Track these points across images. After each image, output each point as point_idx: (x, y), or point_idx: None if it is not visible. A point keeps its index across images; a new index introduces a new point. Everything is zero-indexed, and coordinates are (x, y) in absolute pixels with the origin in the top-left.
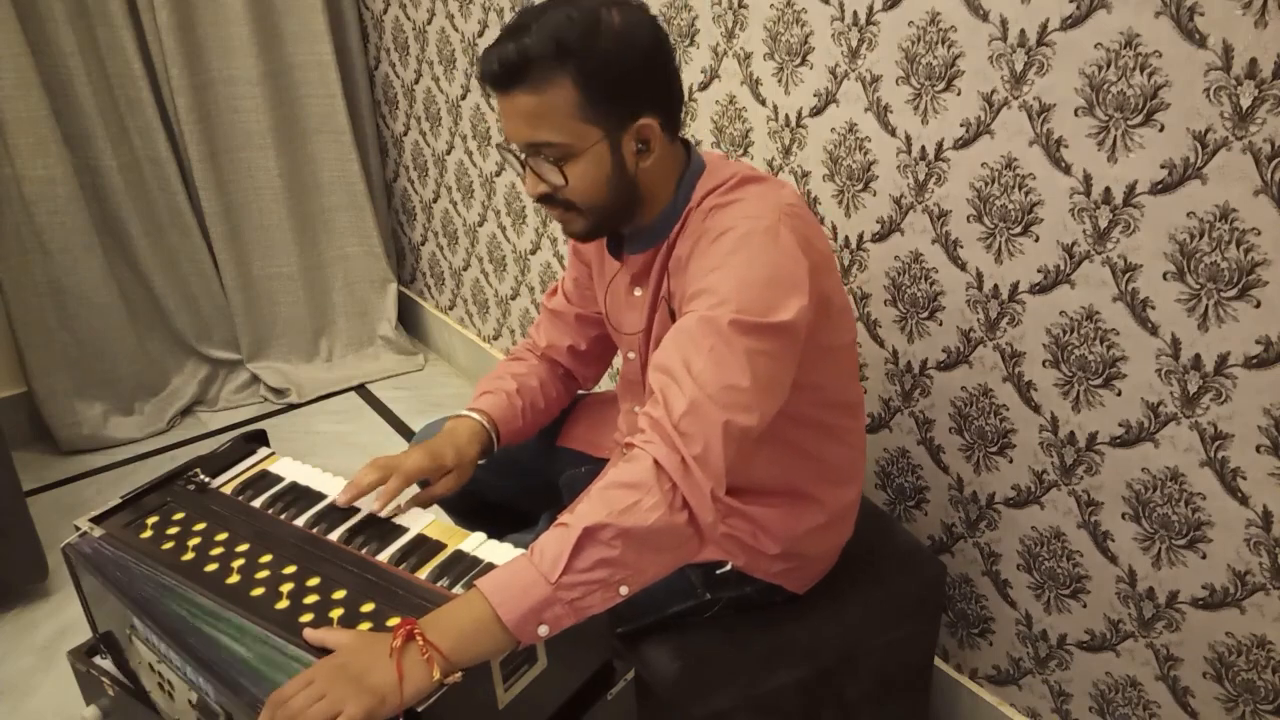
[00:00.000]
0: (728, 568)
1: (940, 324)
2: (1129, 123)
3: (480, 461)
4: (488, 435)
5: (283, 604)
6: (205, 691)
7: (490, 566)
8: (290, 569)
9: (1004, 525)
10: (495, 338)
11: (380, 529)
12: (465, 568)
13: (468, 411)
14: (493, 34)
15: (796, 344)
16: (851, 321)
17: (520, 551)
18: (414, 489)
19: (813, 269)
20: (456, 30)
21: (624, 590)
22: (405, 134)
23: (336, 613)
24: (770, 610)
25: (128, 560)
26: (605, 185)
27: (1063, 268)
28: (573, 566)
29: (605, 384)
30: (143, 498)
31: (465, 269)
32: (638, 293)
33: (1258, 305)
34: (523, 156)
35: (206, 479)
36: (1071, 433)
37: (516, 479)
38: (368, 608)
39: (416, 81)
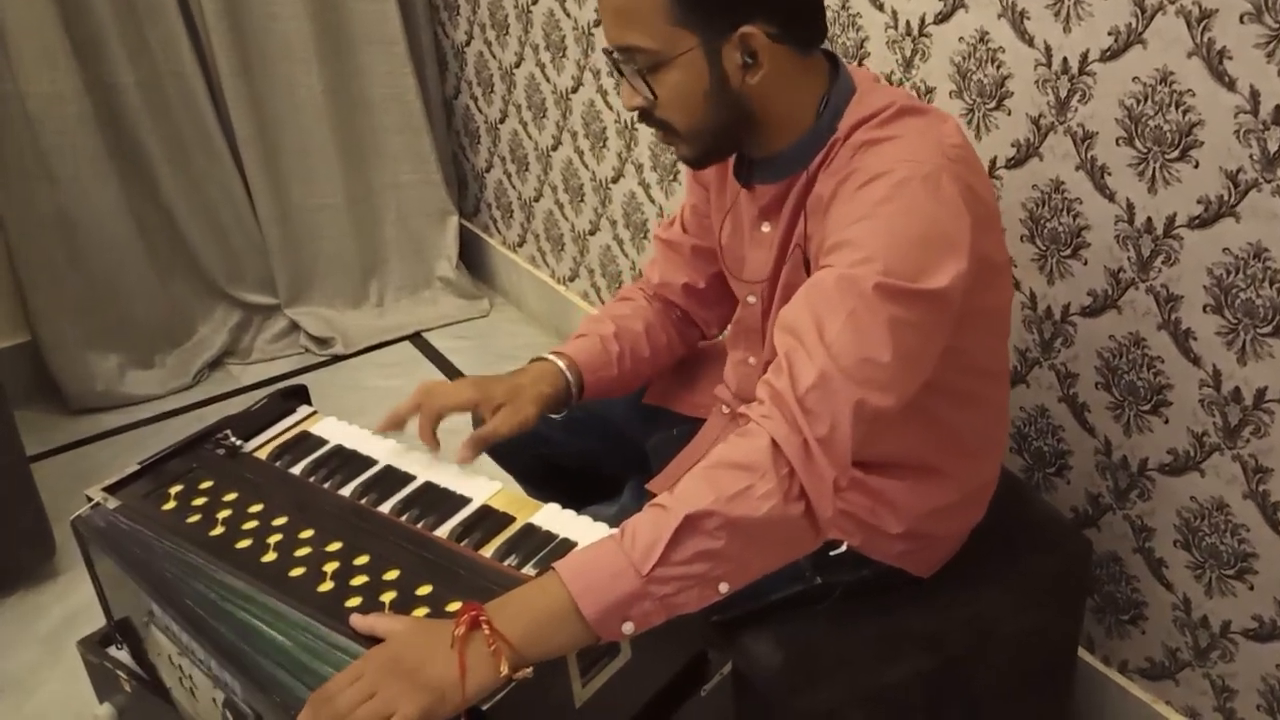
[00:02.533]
0: (842, 549)
1: (1085, 263)
2: None
3: (555, 415)
4: (564, 382)
5: (326, 586)
6: (232, 689)
7: (565, 543)
8: (335, 545)
9: (1158, 495)
10: (571, 279)
11: (439, 499)
12: (537, 544)
13: (553, 351)
14: None
15: (949, 314)
16: (1009, 281)
17: (603, 528)
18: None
19: (976, 224)
20: None
21: (724, 588)
22: (468, 44)
23: (388, 596)
24: (889, 595)
25: (147, 536)
26: (702, 102)
27: (1226, 198)
28: (669, 558)
29: None
30: (165, 463)
31: (537, 200)
32: (765, 229)
33: None
34: (617, 59)
35: (238, 442)
36: (1237, 389)
37: (597, 440)
38: (424, 590)
39: None
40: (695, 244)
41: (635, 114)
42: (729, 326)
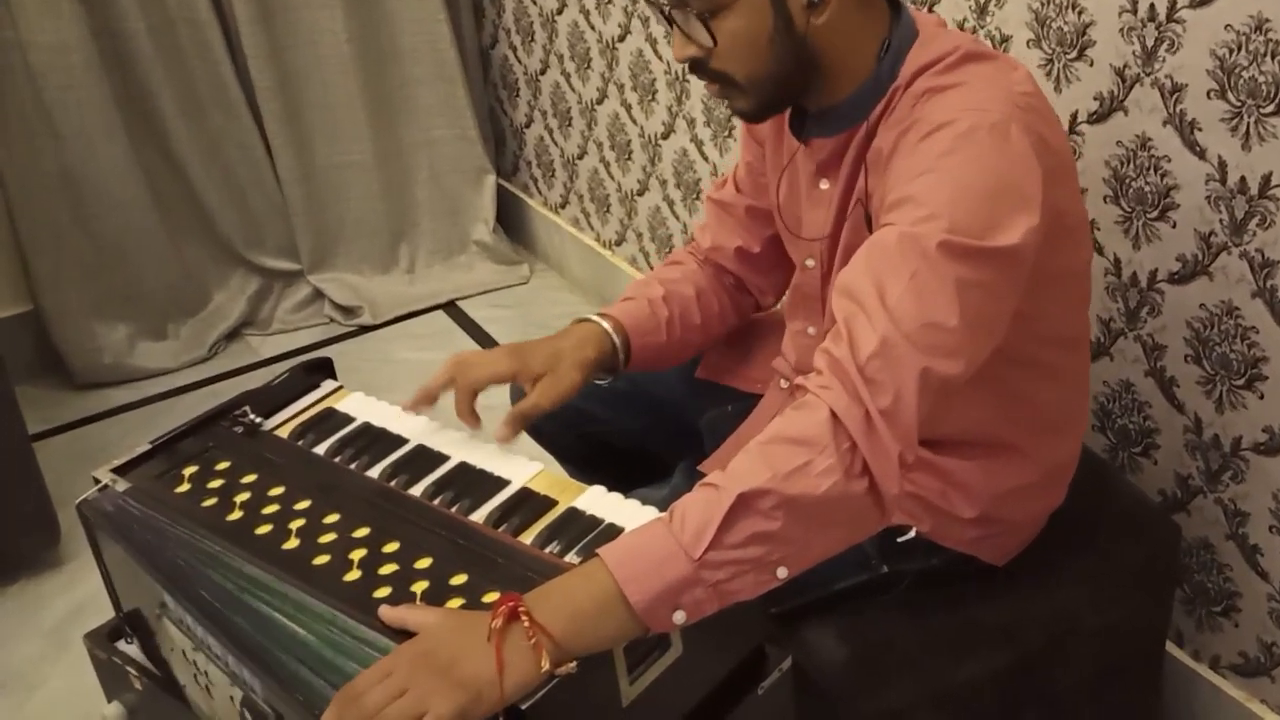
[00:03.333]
0: (911, 534)
1: (1173, 226)
2: None
3: (601, 380)
4: (609, 345)
5: (353, 575)
6: (251, 688)
7: (611, 529)
8: (362, 531)
9: (1253, 476)
10: (618, 243)
11: (475, 482)
12: (581, 530)
13: (599, 313)
14: None
15: (1020, 274)
16: (1087, 240)
17: (652, 512)
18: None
19: (1048, 176)
20: None
21: (781, 573)
22: None
23: (420, 586)
24: (961, 585)
25: (159, 521)
26: (766, 48)
27: None
28: (722, 540)
29: None
30: (178, 442)
31: (580, 157)
32: (824, 186)
33: None
34: (668, 10)
35: (257, 419)
36: None
37: (647, 417)
38: (459, 580)
39: None
40: (750, 204)
41: (687, 65)
42: (786, 295)
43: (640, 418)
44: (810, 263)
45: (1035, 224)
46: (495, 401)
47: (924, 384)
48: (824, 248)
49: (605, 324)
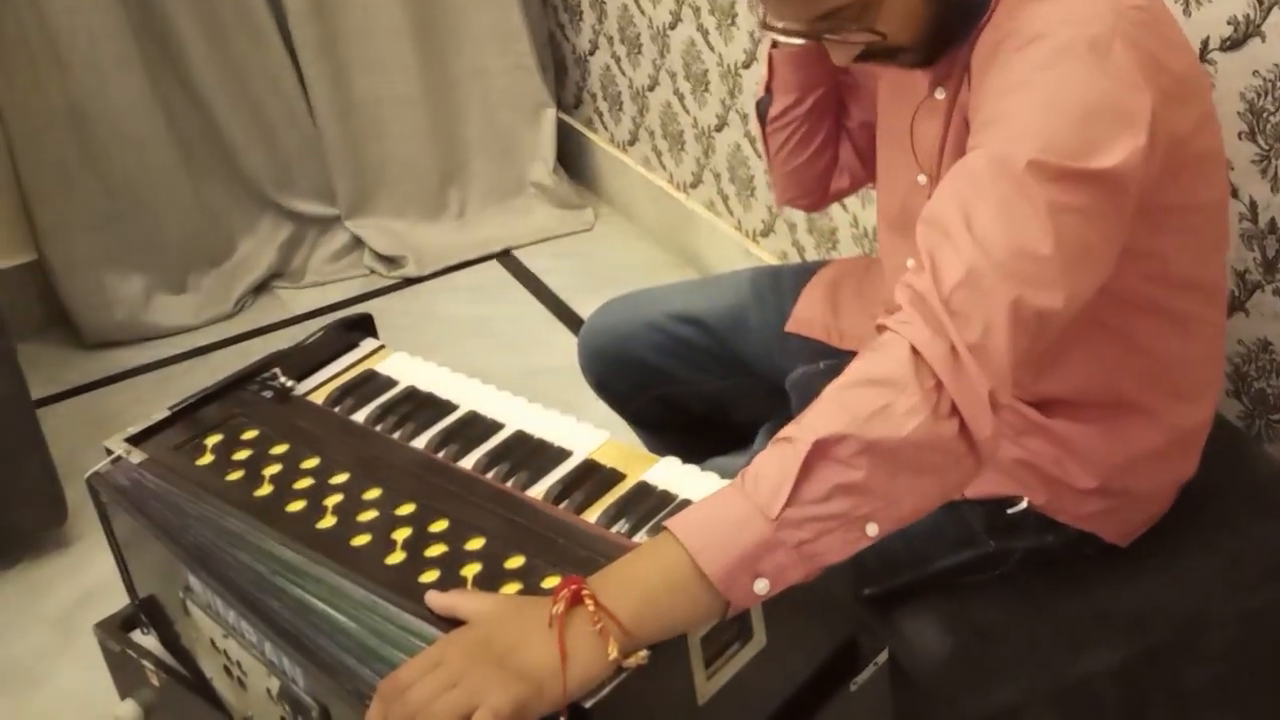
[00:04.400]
0: (1022, 506)
1: None
2: None
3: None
4: None
5: (396, 557)
6: (291, 677)
7: (686, 505)
8: (406, 509)
9: None
10: (694, 185)
11: (533, 452)
12: (652, 507)
13: None
14: None
15: (1123, 200)
16: (1220, 176)
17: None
18: None
19: (1161, 99)
20: None
21: (872, 530)
22: None
23: (472, 569)
24: (1079, 567)
25: (179, 496)
26: (923, 7)
27: None
28: (800, 495)
29: (848, 246)
30: (200, 409)
31: (652, 89)
32: (940, 95)
33: None
34: (823, 33)
35: (289, 382)
36: None
37: (728, 376)
38: (515, 562)
39: None
40: (857, 83)
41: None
42: (882, 225)
43: (721, 377)
44: (923, 179)
45: (1140, 146)
46: (554, 364)
47: (1016, 316)
48: (935, 163)
49: None
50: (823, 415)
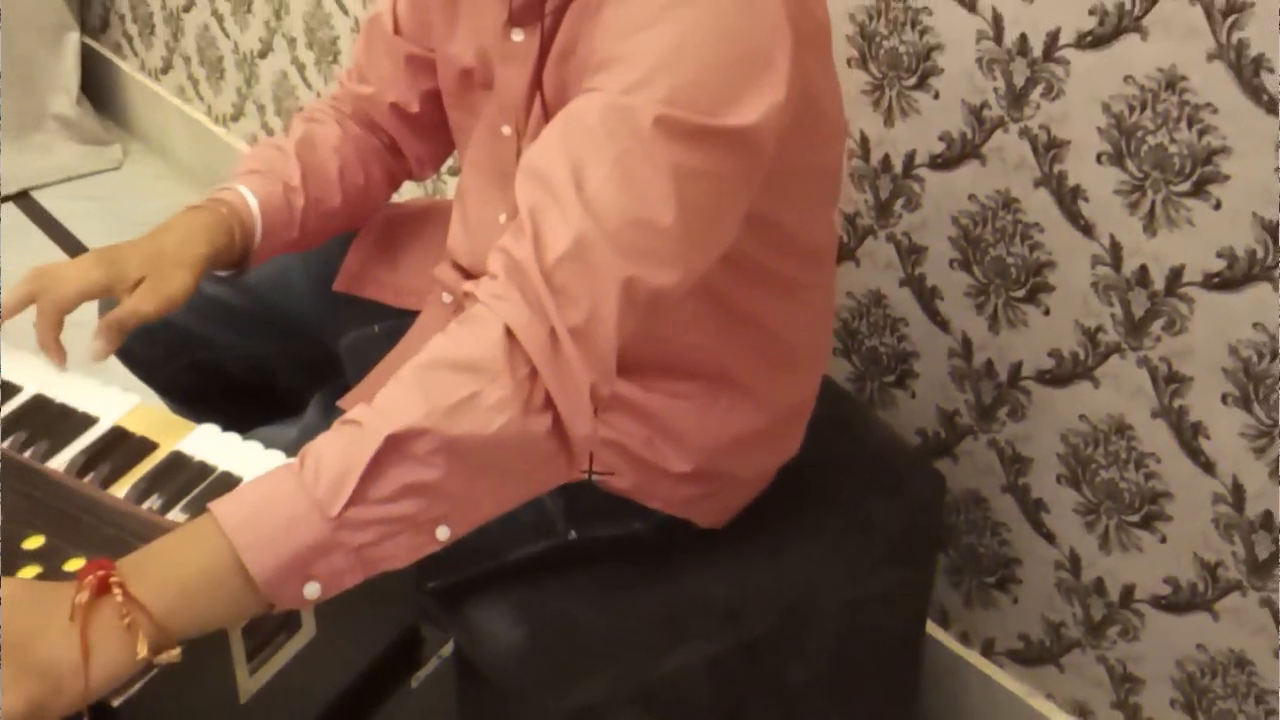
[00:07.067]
0: (607, 474)
1: (935, 96)
2: None
3: (222, 273)
4: (227, 238)
5: None
6: None
7: (228, 478)
8: None
9: (1036, 412)
10: (235, 118)
11: (54, 419)
12: (188, 480)
13: (213, 197)
14: None
15: (756, 163)
16: (842, 128)
17: (279, 457)
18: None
19: (800, 44)
20: None
21: (442, 534)
22: None
23: None
24: (670, 554)
25: None
26: None
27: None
28: (366, 494)
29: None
30: None
31: (188, 10)
32: (517, 37)
33: None
34: None
35: None
36: (1143, 268)
37: (272, 340)
38: (34, 543)
39: None
40: (412, 52)
41: None
42: (461, 174)
43: (264, 340)
44: (507, 130)
45: (779, 100)
46: (85, 319)
47: (628, 298)
48: (519, 113)
49: (223, 210)
50: (399, 401)
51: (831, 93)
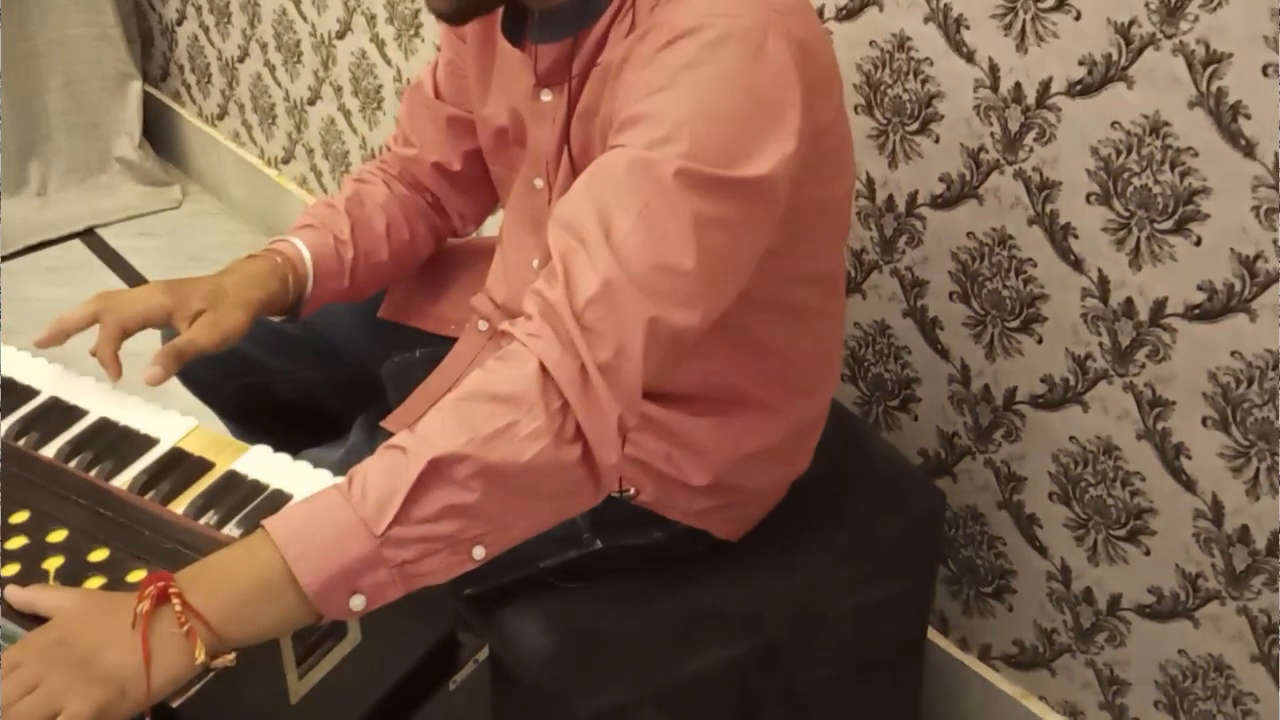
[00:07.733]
0: (630, 492)
1: (937, 141)
2: None
3: (277, 318)
4: (282, 286)
5: None
6: None
7: (278, 496)
8: None
9: (1030, 434)
10: (285, 160)
11: (117, 440)
12: (242, 497)
13: (269, 248)
14: None
15: (771, 209)
16: (849, 164)
17: (326, 476)
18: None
19: (808, 92)
20: None
21: (479, 553)
22: None
23: (53, 562)
24: (689, 564)
25: None
26: None
27: (1115, 59)
28: (409, 514)
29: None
30: None
31: (242, 60)
32: (546, 98)
33: None
34: None
35: None
36: (1129, 300)
37: (320, 366)
38: (99, 555)
39: None
40: (452, 114)
41: None
42: (506, 212)
43: (312, 366)
44: (539, 183)
45: (790, 151)
46: (144, 347)
47: (652, 336)
48: (550, 167)
49: (278, 259)
50: (440, 429)
51: (841, 133)
